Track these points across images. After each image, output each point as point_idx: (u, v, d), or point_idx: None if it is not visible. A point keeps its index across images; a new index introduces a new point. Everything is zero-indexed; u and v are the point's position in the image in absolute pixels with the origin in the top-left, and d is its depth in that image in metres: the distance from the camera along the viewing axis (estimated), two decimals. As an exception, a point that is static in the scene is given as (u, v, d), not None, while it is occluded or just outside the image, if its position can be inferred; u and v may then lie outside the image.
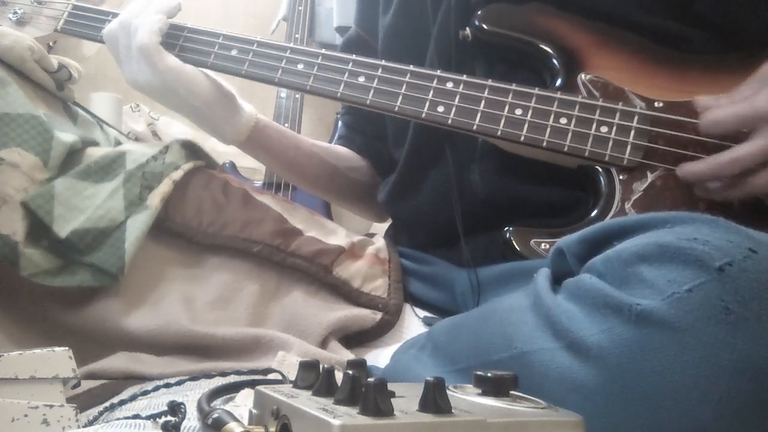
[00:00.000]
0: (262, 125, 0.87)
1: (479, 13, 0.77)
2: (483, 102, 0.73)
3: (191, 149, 0.83)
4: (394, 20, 0.88)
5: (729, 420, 0.41)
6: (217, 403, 0.50)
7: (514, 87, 0.73)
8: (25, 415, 0.48)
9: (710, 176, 0.64)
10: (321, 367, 0.38)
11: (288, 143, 0.92)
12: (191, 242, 0.76)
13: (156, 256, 0.75)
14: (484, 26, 0.77)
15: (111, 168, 0.74)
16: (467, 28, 0.78)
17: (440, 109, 0.74)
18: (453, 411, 0.33)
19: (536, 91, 0.72)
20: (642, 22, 0.74)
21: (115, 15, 0.86)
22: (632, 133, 0.69)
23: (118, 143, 0.86)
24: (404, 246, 0.89)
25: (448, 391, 0.35)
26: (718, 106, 0.66)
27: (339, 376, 0.36)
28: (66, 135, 0.73)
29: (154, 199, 0.73)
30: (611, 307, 0.44)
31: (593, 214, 0.69)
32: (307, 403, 0.34)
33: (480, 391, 0.38)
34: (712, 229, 0.45)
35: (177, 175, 0.76)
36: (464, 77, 0.74)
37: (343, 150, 1.00)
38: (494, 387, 0.38)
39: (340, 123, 1.05)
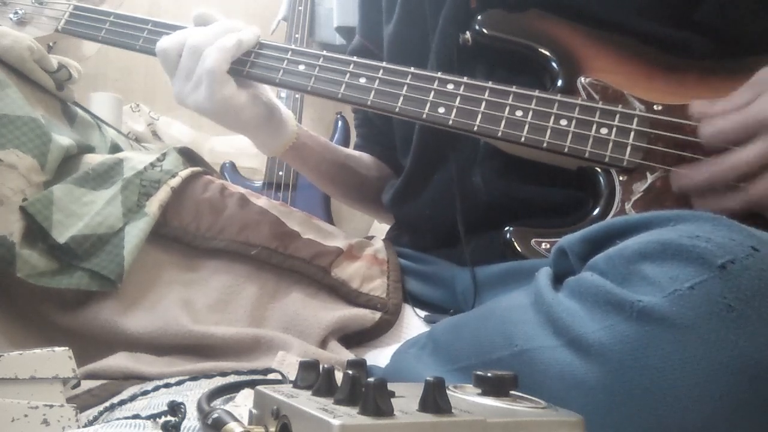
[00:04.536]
0: (300, 142, 0.91)
1: (479, 17, 0.77)
2: (483, 104, 0.73)
3: (188, 156, 0.84)
4: (397, 28, 0.89)
5: (730, 417, 0.41)
6: (217, 403, 0.50)
7: (514, 89, 0.73)
8: (25, 415, 0.48)
9: (708, 183, 0.63)
10: (321, 367, 0.38)
11: (322, 157, 0.96)
12: (189, 246, 0.76)
13: (154, 259, 0.75)
14: (485, 30, 0.77)
15: (109, 175, 0.74)
16: (467, 33, 0.78)
17: (441, 110, 0.74)
18: (453, 411, 0.33)
19: (536, 93, 0.72)
20: (641, 29, 0.74)
21: (115, 14, 0.86)
22: (632, 134, 0.69)
23: (114, 145, 0.87)
24: (406, 247, 0.89)
25: (448, 391, 0.35)
26: (717, 115, 0.65)
27: (339, 376, 0.36)
28: (62, 138, 0.73)
29: (153, 207, 0.73)
30: (612, 304, 0.45)
31: (594, 214, 0.70)
32: (307, 403, 0.34)
33: (480, 390, 0.38)
34: (714, 227, 0.45)
35: (174, 182, 0.76)
36: (465, 79, 0.74)
37: (370, 159, 1.03)
38: (494, 387, 0.38)
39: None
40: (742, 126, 0.62)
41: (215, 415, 0.39)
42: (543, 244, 0.69)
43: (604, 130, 0.70)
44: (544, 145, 0.70)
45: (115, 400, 0.57)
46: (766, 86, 0.63)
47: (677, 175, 0.66)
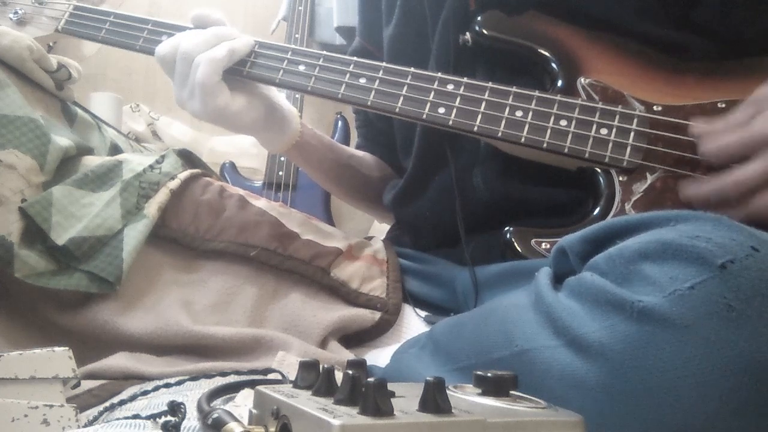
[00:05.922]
0: (304, 140, 0.90)
1: (479, 18, 0.77)
2: (483, 104, 0.73)
3: (187, 158, 0.84)
4: (397, 30, 0.89)
5: (730, 417, 0.41)
6: (217, 403, 0.50)
7: (514, 89, 0.73)
8: (25, 415, 0.48)
9: (714, 199, 0.63)
10: (321, 367, 0.38)
11: (325, 155, 0.96)
12: (188, 248, 0.76)
13: (153, 261, 0.75)
14: (484, 31, 0.77)
15: (108, 177, 0.74)
16: (467, 33, 0.78)
17: (441, 110, 0.74)
18: (453, 411, 0.33)
19: (536, 93, 0.72)
20: (640, 31, 0.74)
21: (115, 14, 0.86)
22: (632, 135, 0.69)
23: (114, 145, 0.87)
24: (407, 247, 0.89)
25: (448, 391, 0.35)
26: (717, 132, 0.65)
27: (339, 376, 0.36)
28: (61, 139, 0.73)
29: (152, 209, 0.73)
30: (613, 304, 0.45)
31: (594, 214, 0.70)
32: (307, 403, 0.34)
33: (480, 390, 0.38)
34: (714, 227, 0.45)
35: (173, 184, 0.76)
36: (465, 79, 0.74)
37: (372, 159, 1.03)
38: (494, 387, 0.38)
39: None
40: (744, 143, 0.62)
41: (215, 415, 0.39)
42: (543, 244, 0.69)
43: (603, 131, 0.70)
44: (544, 145, 0.70)
45: (115, 400, 0.57)
46: (766, 103, 0.63)
47: (684, 192, 0.66)
